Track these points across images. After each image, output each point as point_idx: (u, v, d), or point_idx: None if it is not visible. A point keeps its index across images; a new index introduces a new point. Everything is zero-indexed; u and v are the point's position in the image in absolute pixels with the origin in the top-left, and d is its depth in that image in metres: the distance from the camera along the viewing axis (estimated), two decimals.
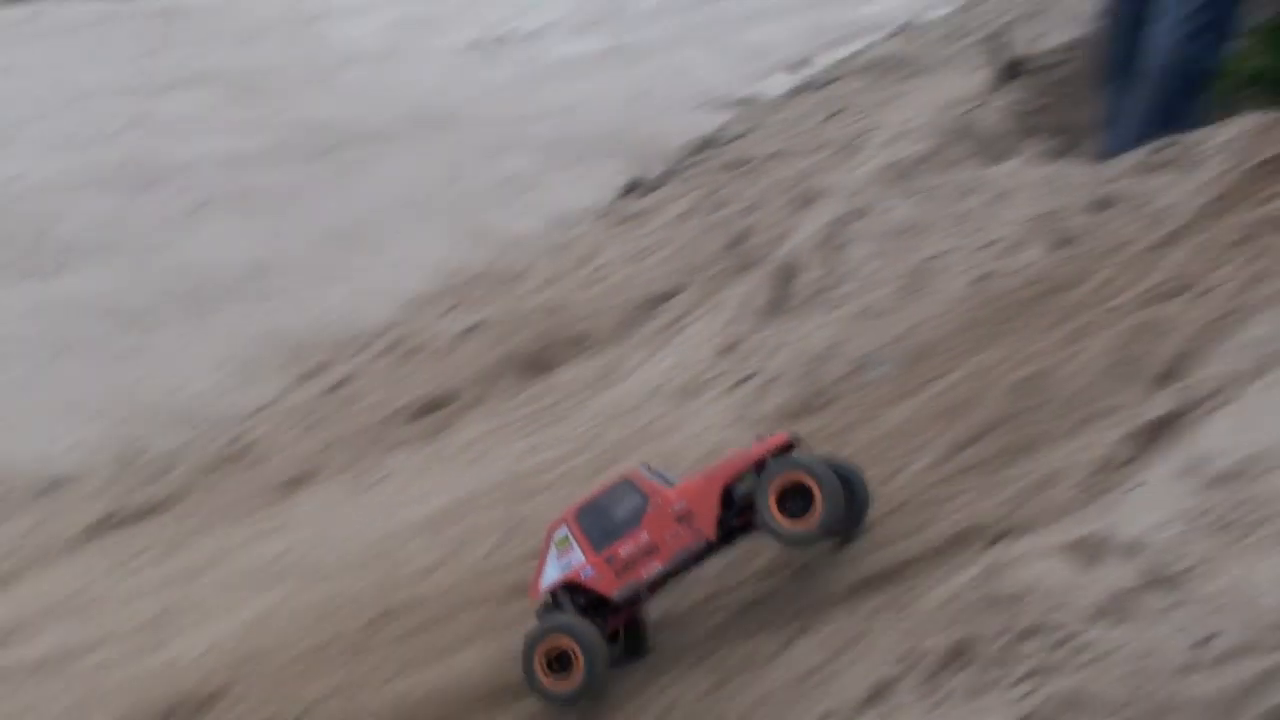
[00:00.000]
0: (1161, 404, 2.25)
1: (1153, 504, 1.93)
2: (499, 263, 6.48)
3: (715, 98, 11.44)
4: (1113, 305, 2.72)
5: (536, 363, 4.91)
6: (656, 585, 2.67)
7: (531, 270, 6.21)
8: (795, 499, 2.45)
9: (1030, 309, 2.95)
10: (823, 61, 13.83)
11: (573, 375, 4.63)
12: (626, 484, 2.68)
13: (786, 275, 4.01)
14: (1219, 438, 1.96)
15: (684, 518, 2.59)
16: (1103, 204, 3.30)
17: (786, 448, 2.62)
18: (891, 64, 12.31)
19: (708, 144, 9.62)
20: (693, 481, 2.65)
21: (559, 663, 2.59)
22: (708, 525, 2.58)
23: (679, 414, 3.54)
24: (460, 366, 4.95)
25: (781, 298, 3.91)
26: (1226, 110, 4.21)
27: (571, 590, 2.68)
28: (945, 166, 4.38)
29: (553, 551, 2.70)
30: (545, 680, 2.60)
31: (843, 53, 14.36)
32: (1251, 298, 2.40)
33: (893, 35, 16.30)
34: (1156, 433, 2.20)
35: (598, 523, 2.68)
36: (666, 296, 5.25)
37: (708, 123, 10.33)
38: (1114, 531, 1.93)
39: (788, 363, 3.33)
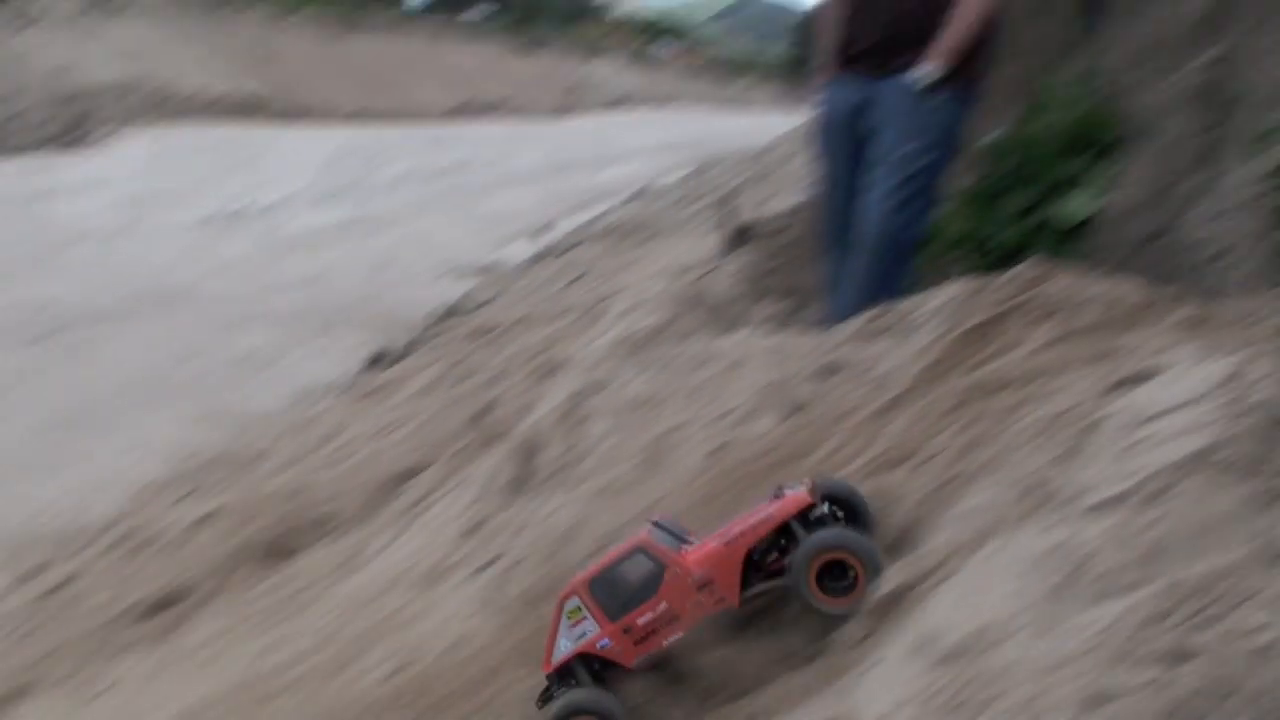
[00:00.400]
0: (892, 577, 2.26)
1: (889, 684, 1.92)
2: (237, 444, 6.22)
3: (459, 265, 11.50)
4: (843, 475, 2.75)
5: (276, 550, 4.68)
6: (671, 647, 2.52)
7: (271, 451, 5.98)
8: (836, 574, 2.34)
9: (766, 479, 2.96)
10: (564, 227, 14.10)
11: (314, 562, 4.44)
12: (640, 552, 2.51)
13: (529, 451, 3.96)
14: (945, 612, 1.97)
15: (705, 586, 2.45)
16: (829, 371, 3.38)
17: (808, 507, 2.49)
18: (630, 228, 12.64)
19: (452, 312, 9.60)
20: (713, 547, 2.49)
21: None
22: (731, 593, 2.46)
23: (422, 602, 3.41)
24: (194, 558, 4.68)
25: (525, 475, 3.85)
26: (937, 275, 4.42)
27: (586, 661, 2.52)
28: (680, 337, 4.44)
29: (564, 622, 2.52)
30: None
31: (583, 218, 14.69)
32: (968, 465, 2.46)
33: (630, 200, 16.79)
34: (889, 607, 2.21)
35: (611, 591, 2.50)
36: (411, 474, 5.12)
37: (452, 291, 10.34)
38: (855, 715, 1.92)
39: (531, 545, 3.26)
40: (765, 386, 3.47)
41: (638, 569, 2.50)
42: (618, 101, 42.80)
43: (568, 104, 38.98)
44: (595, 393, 3.99)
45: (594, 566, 2.57)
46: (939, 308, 3.34)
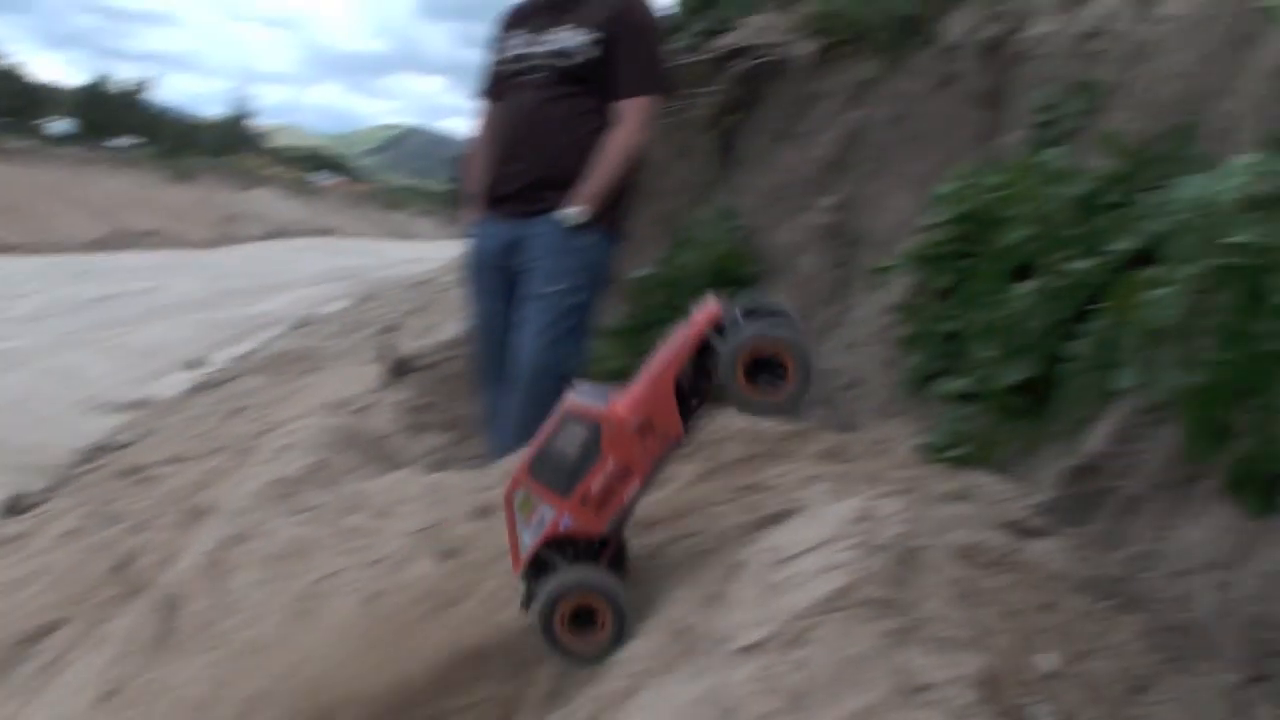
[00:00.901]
0: None
1: None
2: None
3: (107, 401, 10.83)
4: (500, 619, 2.67)
5: None
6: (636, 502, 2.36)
7: None
8: (766, 371, 2.23)
9: (422, 627, 2.83)
10: (221, 359, 13.56)
11: None
12: (568, 420, 2.34)
13: (172, 606, 3.68)
14: None
15: (645, 430, 2.31)
16: (482, 512, 3.30)
17: (717, 321, 2.33)
18: (290, 360, 12.25)
19: (98, 451, 8.99)
20: (640, 389, 2.33)
21: (583, 620, 2.30)
22: (673, 428, 2.32)
23: None
24: None
25: (166, 632, 3.57)
26: None
27: (558, 546, 2.37)
28: (335, 477, 4.28)
29: (519, 518, 2.38)
30: (570, 640, 2.30)
31: (242, 349, 14.17)
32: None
33: (291, 330, 16.35)
34: None
35: (555, 469, 2.35)
36: (47, 631, 4.68)
37: (99, 428, 9.70)
38: None
39: (169, 712, 3.00)
40: (421, 529, 3.36)
41: (572, 437, 2.35)
42: (277, 231, 42.01)
43: (225, 234, 37.95)
44: (244, 540, 3.77)
45: (529, 451, 2.42)
46: None
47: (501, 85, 4.79)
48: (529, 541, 2.41)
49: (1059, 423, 2.80)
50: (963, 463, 3.03)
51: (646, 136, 4.66)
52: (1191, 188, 2.66)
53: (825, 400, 3.87)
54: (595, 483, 2.35)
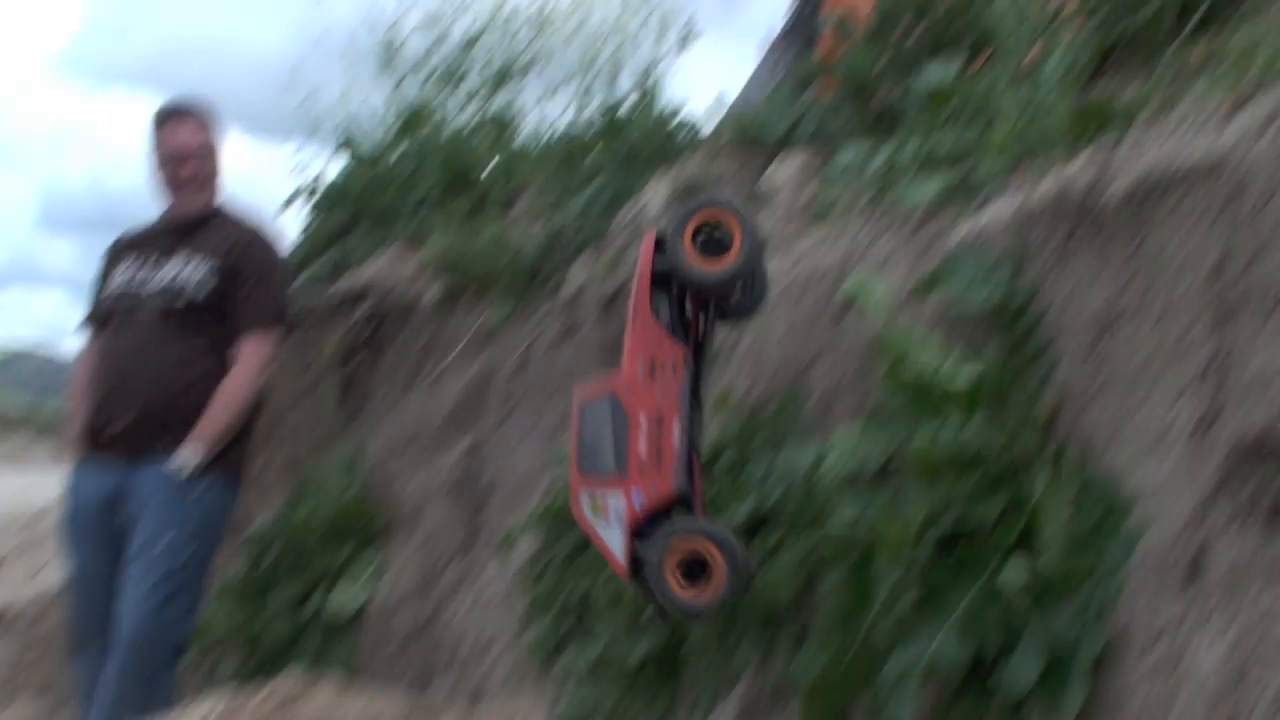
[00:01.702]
0: None
1: None
2: None
3: None
4: None
5: None
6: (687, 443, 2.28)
7: None
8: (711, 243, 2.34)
9: None
10: None
11: None
12: (587, 407, 2.30)
13: None
14: None
15: (653, 369, 2.31)
16: None
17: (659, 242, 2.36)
18: None
19: None
20: (628, 342, 2.32)
21: (695, 571, 2.20)
22: (674, 350, 2.31)
23: None
24: None
25: None
26: (203, 678, 4.05)
27: (650, 525, 2.24)
28: None
29: (598, 524, 2.27)
30: (683, 593, 2.19)
31: None
32: None
33: None
34: None
35: (597, 456, 2.29)
36: None
37: None
38: None
39: None
40: None
41: (598, 419, 2.28)
42: None
43: None
44: None
45: (571, 461, 2.32)
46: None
47: (110, 317, 4.45)
48: (619, 538, 2.25)
49: (687, 700, 2.70)
50: None
51: (267, 377, 4.42)
52: (795, 460, 2.67)
53: (453, 665, 3.66)
54: (641, 447, 2.28)
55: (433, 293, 5.06)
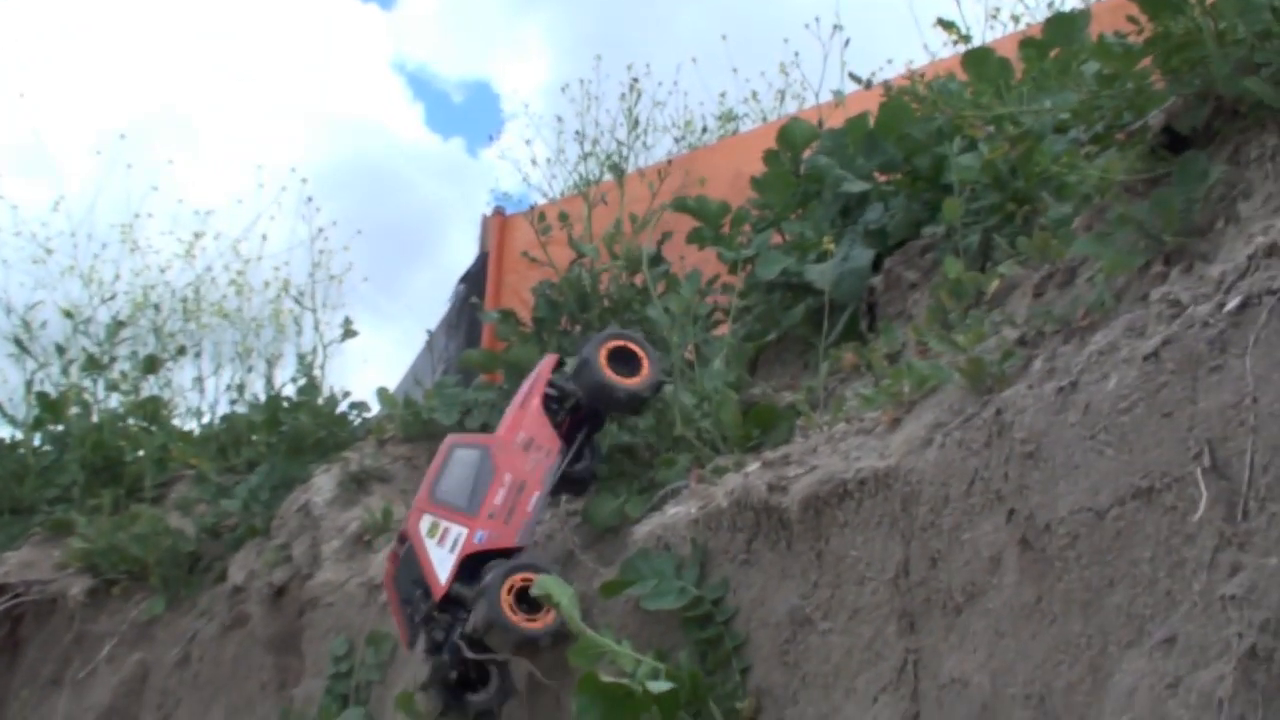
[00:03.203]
0: None
1: None
2: None
3: None
4: None
5: None
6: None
7: None
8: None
9: None
10: None
11: None
12: (455, 449, 2.59)
13: None
14: None
15: (529, 445, 2.58)
16: None
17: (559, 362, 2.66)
18: None
19: None
20: (514, 414, 2.62)
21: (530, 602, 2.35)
22: (552, 441, 2.60)
23: None
24: None
25: None
26: None
27: (480, 560, 2.47)
28: None
29: (430, 544, 2.50)
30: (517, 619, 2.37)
31: None
32: None
33: None
34: None
35: (454, 492, 2.54)
36: None
37: None
38: None
39: None
40: None
41: (464, 462, 2.56)
42: None
43: None
44: None
45: (424, 486, 2.59)
46: None
47: None
48: (449, 562, 2.52)
49: None
50: None
51: None
52: None
53: None
54: (498, 498, 2.56)
55: (79, 586, 4.60)
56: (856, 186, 3.29)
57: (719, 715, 2.17)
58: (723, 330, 3.38)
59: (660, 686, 2.21)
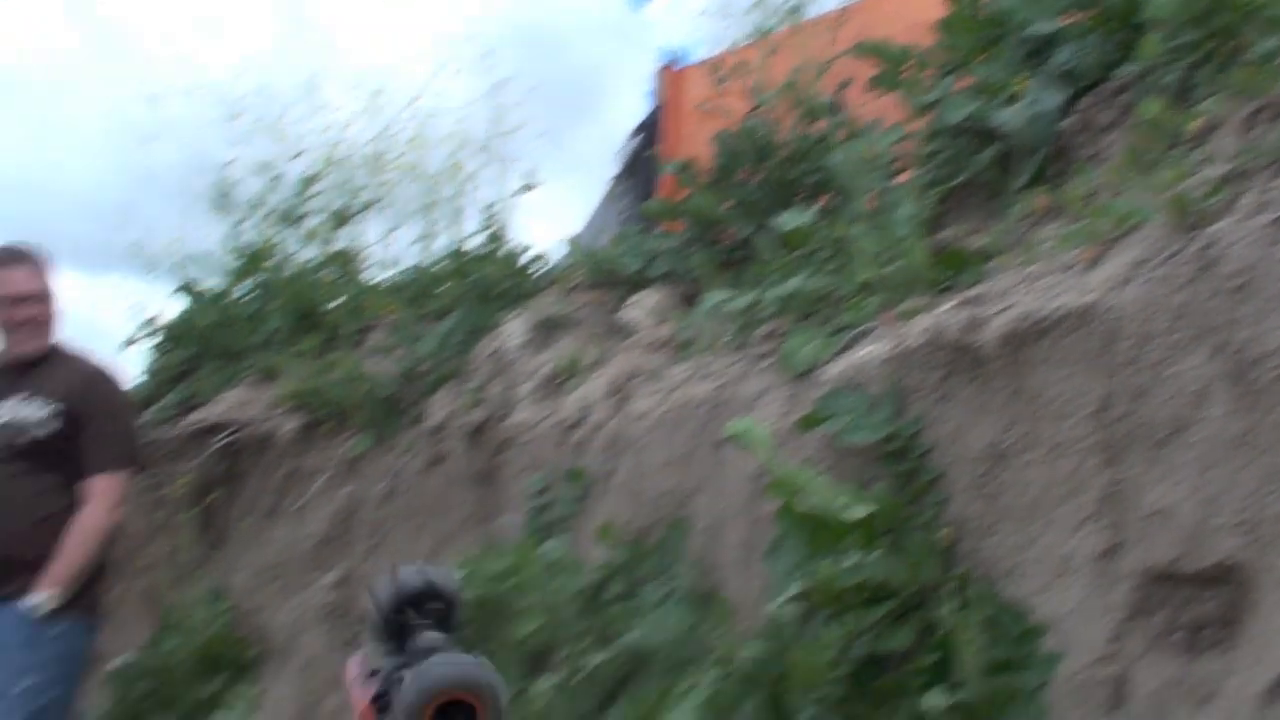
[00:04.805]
0: None
1: None
2: None
3: None
4: None
5: None
6: None
7: None
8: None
9: None
10: None
11: None
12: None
13: None
14: None
15: None
16: None
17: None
18: None
19: None
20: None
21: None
22: None
23: None
24: None
25: None
26: None
27: None
28: None
29: None
30: None
31: None
32: None
33: None
34: None
35: None
36: None
37: None
38: None
39: None
40: None
41: None
42: None
43: None
44: None
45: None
46: None
47: None
48: None
49: None
50: None
51: (119, 515, 4.13)
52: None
53: None
54: None
55: (290, 426, 4.87)
56: (1046, 27, 3.19)
57: (918, 542, 2.22)
58: (904, 178, 3.35)
59: (858, 512, 2.26)
